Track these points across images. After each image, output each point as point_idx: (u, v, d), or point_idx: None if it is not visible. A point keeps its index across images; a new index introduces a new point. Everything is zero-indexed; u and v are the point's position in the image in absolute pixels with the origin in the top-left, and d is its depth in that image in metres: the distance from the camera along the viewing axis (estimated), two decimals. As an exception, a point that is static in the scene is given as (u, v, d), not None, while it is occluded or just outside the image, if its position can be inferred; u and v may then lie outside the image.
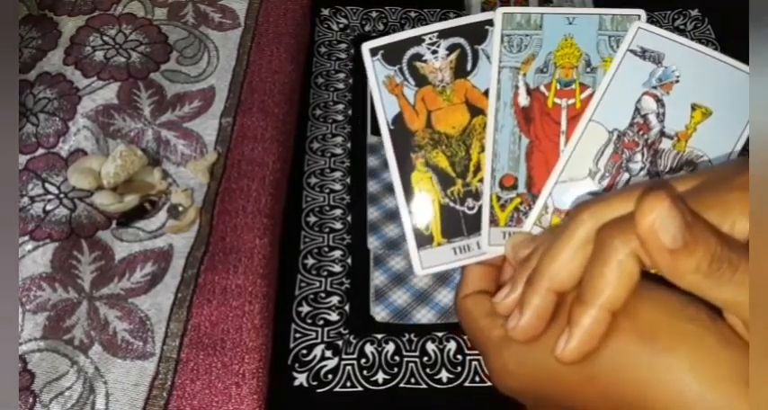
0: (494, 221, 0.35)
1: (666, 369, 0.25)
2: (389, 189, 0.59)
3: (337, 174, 0.60)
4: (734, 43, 0.71)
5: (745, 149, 0.35)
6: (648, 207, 0.24)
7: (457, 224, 0.36)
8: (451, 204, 0.36)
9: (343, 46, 0.71)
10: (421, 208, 0.36)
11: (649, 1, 0.76)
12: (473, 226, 0.36)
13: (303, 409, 0.47)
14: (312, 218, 0.57)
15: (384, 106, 0.37)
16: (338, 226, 0.56)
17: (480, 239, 0.36)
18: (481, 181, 0.36)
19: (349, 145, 0.62)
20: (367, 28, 0.72)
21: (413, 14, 0.74)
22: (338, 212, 0.57)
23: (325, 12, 0.73)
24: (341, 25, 0.73)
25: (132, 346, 0.46)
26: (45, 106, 0.59)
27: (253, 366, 0.45)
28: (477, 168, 0.36)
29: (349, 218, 0.57)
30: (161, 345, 0.46)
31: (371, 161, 0.61)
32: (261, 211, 0.53)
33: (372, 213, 0.57)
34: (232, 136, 0.58)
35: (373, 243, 0.55)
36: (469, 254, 0.36)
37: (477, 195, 0.36)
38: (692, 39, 0.73)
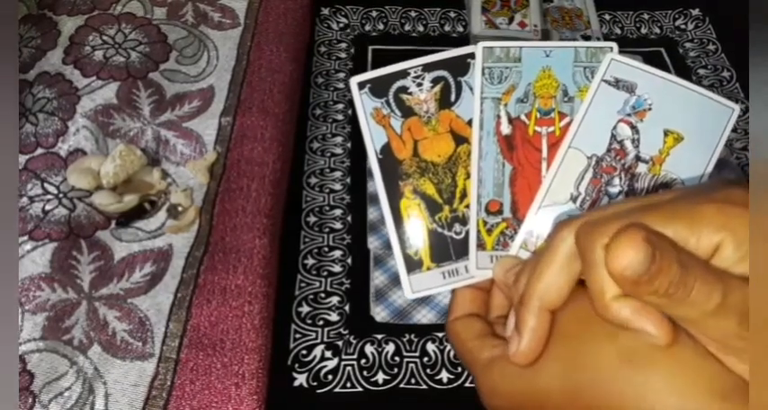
0: (481, 245, 0.37)
1: (643, 384, 0.26)
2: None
3: (337, 174, 0.60)
4: (734, 43, 0.71)
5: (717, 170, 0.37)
6: (622, 252, 0.25)
7: (445, 248, 0.37)
8: (439, 229, 0.38)
9: (343, 45, 0.70)
10: (410, 234, 0.38)
11: (650, 1, 0.76)
12: (461, 250, 0.37)
13: (303, 409, 0.47)
14: (312, 218, 0.57)
15: (372, 136, 0.39)
16: (338, 226, 0.56)
17: (468, 263, 0.37)
18: (467, 207, 0.38)
19: (349, 145, 0.62)
20: (367, 28, 0.72)
21: (413, 14, 0.74)
22: (338, 212, 0.57)
23: (326, 11, 0.73)
24: (341, 25, 0.72)
25: (132, 346, 0.46)
26: (44, 106, 0.59)
27: (253, 366, 0.45)
28: (464, 194, 0.38)
29: (349, 218, 0.57)
30: (160, 346, 0.46)
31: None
32: (261, 211, 0.53)
33: (372, 213, 0.57)
34: (232, 135, 0.58)
35: (373, 243, 0.55)
36: (458, 277, 0.37)
37: (463, 220, 0.38)
38: (692, 38, 0.73)
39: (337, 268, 0.54)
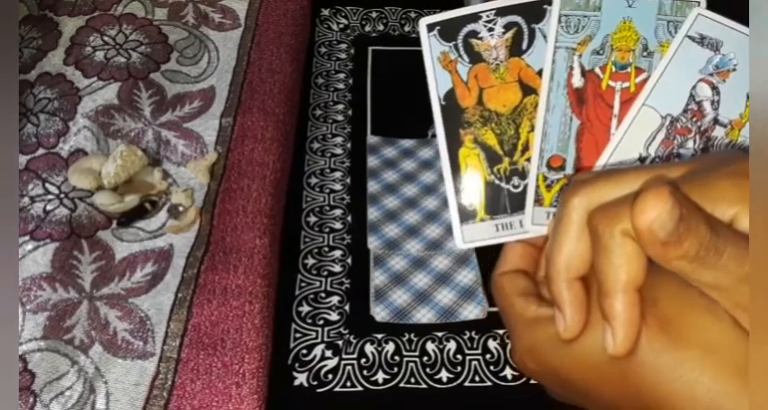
0: (538, 201, 0.35)
1: (679, 361, 0.25)
2: (389, 189, 0.59)
3: (337, 174, 0.60)
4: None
5: None
6: (650, 205, 0.24)
7: (501, 201, 0.36)
8: (497, 182, 0.36)
9: (343, 46, 0.71)
10: (466, 183, 0.36)
11: (649, 1, 0.76)
12: (517, 204, 0.36)
13: (303, 409, 0.47)
14: (312, 218, 0.57)
15: (437, 82, 0.37)
16: (338, 226, 0.56)
17: (524, 218, 0.36)
18: (528, 160, 0.36)
19: (349, 145, 0.62)
20: (367, 28, 0.72)
21: (413, 15, 0.74)
22: (338, 212, 0.57)
23: (326, 12, 0.73)
24: (341, 25, 0.73)
25: (132, 346, 0.46)
26: (45, 106, 0.59)
27: (253, 366, 0.45)
28: (526, 148, 0.36)
29: (349, 218, 0.57)
30: (161, 345, 0.46)
31: (371, 161, 0.61)
32: (261, 211, 0.53)
33: (372, 213, 0.57)
34: (232, 136, 0.58)
35: (373, 243, 0.55)
36: (511, 231, 0.36)
37: (523, 174, 0.36)
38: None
39: (337, 268, 0.54)
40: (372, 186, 0.59)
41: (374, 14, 0.74)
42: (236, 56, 0.65)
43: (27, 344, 0.46)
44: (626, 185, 0.27)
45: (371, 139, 0.62)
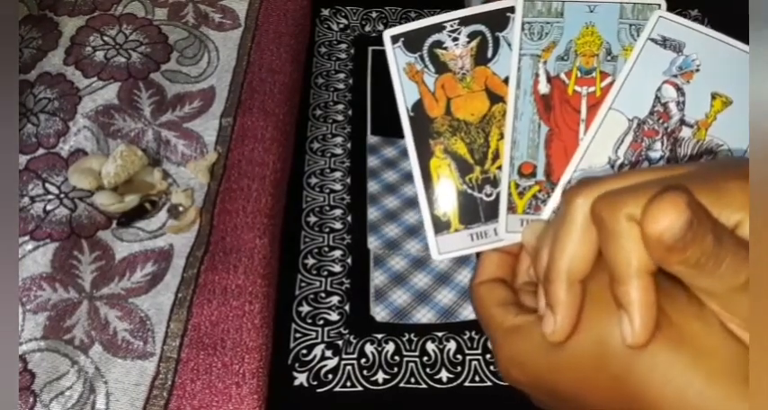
0: (512, 208, 0.35)
1: (669, 365, 0.25)
2: (389, 189, 0.59)
3: (337, 174, 0.60)
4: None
5: None
6: (664, 213, 0.24)
7: (474, 210, 0.36)
8: (469, 191, 0.36)
9: (343, 46, 0.71)
10: (439, 194, 0.36)
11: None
12: (491, 212, 0.36)
13: (303, 409, 0.47)
14: (312, 218, 0.57)
15: (404, 93, 0.37)
16: (338, 226, 0.56)
17: (498, 226, 0.36)
18: (500, 168, 0.36)
19: (349, 145, 0.62)
20: (367, 28, 0.72)
21: (413, 15, 0.74)
22: (338, 212, 0.57)
23: (326, 12, 0.73)
24: (341, 25, 0.73)
25: (132, 346, 0.46)
26: (45, 106, 0.59)
27: (253, 366, 0.45)
28: (496, 156, 0.36)
29: (349, 218, 0.57)
30: (161, 345, 0.46)
31: (371, 161, 0.61)
32: (261, 211, 0.53)
33: (372, 213, 0.57)
34: (232, 136, 0.58)
35: (373, 243, 0.55)
36: (486, 240, 0.36)
37: (495, 182, 0.36)
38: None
39: (337, 268, 0.54)
40: (372, 186, 0.59)
41: (374, 14, 0.74)
42: (236, 56, 0.65)
43: (27, 344, 0.46)
44: (641, 190, 0.27)
45: (371, 139, 0.62)
